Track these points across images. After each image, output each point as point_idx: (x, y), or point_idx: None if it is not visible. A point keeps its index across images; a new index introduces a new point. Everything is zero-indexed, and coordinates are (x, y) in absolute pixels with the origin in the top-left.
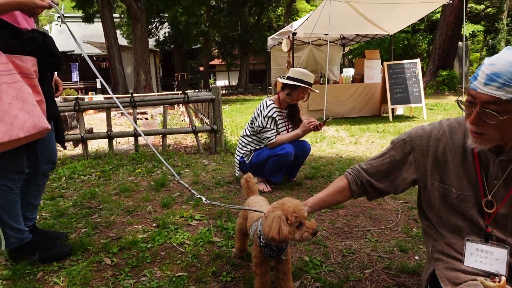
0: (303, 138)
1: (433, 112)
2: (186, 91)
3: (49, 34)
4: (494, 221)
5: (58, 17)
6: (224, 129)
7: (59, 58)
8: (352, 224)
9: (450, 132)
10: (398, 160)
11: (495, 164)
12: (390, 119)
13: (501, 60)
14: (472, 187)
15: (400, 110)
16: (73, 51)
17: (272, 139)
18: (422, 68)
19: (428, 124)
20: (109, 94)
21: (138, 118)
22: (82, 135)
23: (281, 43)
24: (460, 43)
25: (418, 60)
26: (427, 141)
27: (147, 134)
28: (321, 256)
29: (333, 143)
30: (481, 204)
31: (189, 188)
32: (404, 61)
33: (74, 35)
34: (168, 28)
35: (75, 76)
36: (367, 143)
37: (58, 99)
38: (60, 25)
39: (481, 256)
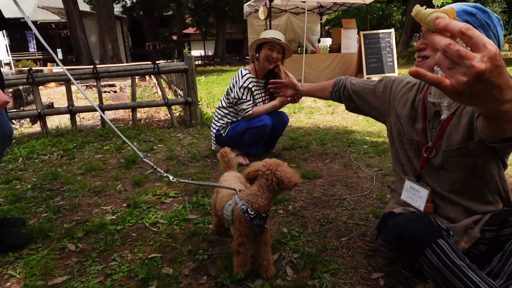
0: (281, 109)
1: None
2: (158, 61)
3: None
4: (428, 166)
5: None
6: (199, 102)
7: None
8: (329, 193)
9: (418, 87)
10: (377, 91)
11: (432, 115)
12: None
13: None
14: (417, 134)
15: (375, 80)
16: (28, 17)
17: (249, 111)
18: (396, 38)
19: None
20: (74, 65)
21: (105, 91)
22: (39, 110)
23: (257, 10)
24: None
25: (392, 30)
26: (402, 87)
27: (115, 108)
28: (299, 227)
29: (311, 114)
30: (421, 149)
31: (155, 167)
32: (380, 31)
33: None
34: None
35: (32, 46)
36: (343, 113)
37: (11, 71)
38: None
39: (411, 192)
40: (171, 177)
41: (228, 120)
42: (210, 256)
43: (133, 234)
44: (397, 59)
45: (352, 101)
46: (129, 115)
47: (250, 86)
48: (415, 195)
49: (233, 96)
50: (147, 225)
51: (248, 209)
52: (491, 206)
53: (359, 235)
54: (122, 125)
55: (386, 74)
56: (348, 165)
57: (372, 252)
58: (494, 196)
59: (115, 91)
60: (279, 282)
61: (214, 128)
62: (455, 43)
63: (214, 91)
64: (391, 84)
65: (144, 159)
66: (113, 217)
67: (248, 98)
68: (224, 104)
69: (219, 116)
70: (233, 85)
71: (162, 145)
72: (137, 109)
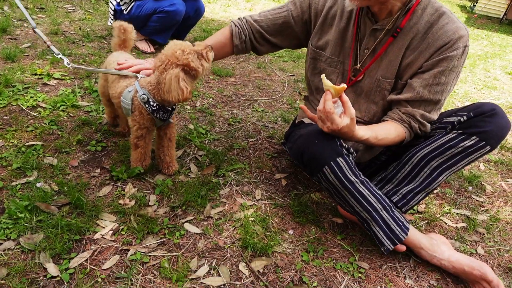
0: None
1: None
2: None
3: None
4: (352, 90)
5: None
6: None
7: None
8: (240, 93)
9: None
10: (295, 16)
11: (368, 33)
12: None
13: None
14: (344, 54)
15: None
16: None
17: None
18: None
19: None
20: None
21: None
22: None
23: None
24: None
25: None
26: (324, 2)
27: None
28: (206, 124)
29: (227, 7)
30: (349, 70)
31: (48, 43)
32: None
33: None
34: None
35: None
36: (261, 10)
37: None
38: None
39: None
40: (66, 61)
41: None
42: (105, 148)
43: (5, 117)
44: None
45: (269, 43)
46: None
47: None
48: None
49: None
50: (24, 108)
51: (150, 100)
52: None
53: (267, 137)
54: None
55: None
56: (262, 67)
57: (278, 154)
58: None
59: None
60: (182, 178)
61: (114, 0)
62: (324, 111)
63: None
64: (308, 1)
65: (36, 29)
66: None
67: None
68: None
69: None
70: None
71: (43, 16)
72: None
